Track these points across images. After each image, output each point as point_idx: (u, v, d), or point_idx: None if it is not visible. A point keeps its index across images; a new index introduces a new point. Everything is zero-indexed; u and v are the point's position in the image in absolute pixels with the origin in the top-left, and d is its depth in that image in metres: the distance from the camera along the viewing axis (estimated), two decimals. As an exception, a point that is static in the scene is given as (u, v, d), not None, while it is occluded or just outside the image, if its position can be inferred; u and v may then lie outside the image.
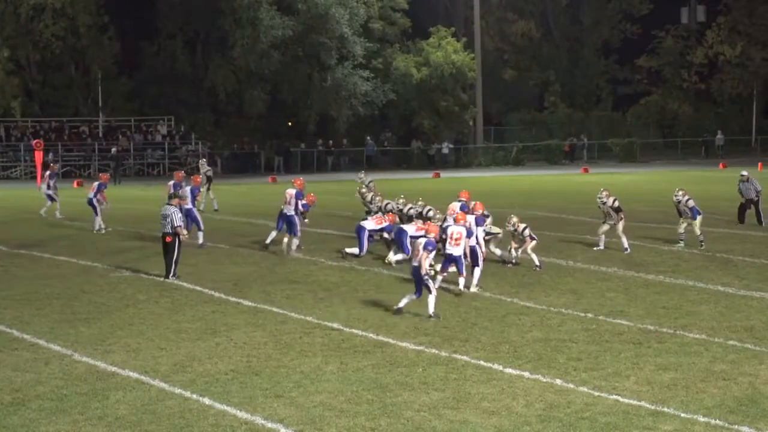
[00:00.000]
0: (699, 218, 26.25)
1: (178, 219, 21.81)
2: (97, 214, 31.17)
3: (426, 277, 17.47)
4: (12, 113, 68.85)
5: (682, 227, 26.55)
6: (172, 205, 21.99)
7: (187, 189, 28.02)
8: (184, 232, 22.53)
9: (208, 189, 36.44)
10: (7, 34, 67.68)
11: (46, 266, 23.90)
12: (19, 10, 67.44)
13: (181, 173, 30.54)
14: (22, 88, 69.87)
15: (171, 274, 21.56)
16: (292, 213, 25.23)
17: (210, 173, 37.31)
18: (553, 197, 42.32)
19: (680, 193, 26.69)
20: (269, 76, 70.10)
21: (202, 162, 39.31)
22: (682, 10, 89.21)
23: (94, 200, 31.29)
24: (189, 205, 27.11)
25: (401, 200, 27.60)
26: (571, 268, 22.78)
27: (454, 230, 19.87)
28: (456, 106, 74.56)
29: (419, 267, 17.50)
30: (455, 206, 23.41)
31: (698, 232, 26.04)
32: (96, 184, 31.99)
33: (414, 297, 17.81)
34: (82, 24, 69.34)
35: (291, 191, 25.44)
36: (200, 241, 26.84)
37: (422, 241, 17.89)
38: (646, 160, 74.78)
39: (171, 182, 28.98)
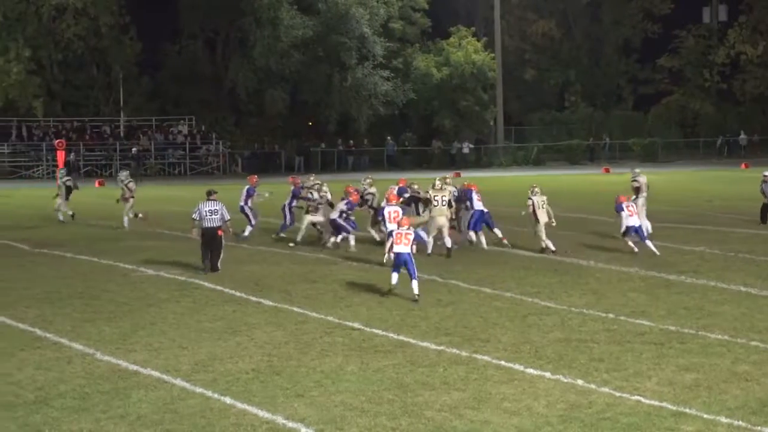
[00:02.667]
0: None
1: (227, 213, 22.92)
2: (252, 221, 28.87)
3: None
4: (34, 113, 69.20)
5: None
6: (215, 200, 22.89)
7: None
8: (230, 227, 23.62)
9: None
10: (29, 34, 67.99)
11: (68, 265, 24.00)
12: (41, 10, 67.76)
13: (255, 177, 29.99)
14: (44, 88, 70.20)
15: (216, 268, 22.43)
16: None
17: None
18: (574, 197, 42.22)
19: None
20: (290, 76, 70.24)
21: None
22: (703, 9, 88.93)
23: (246, 207, 28.91)
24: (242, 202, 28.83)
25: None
26: (592, 269, 22.72)
27: (390, 210, 23.36)
28: (476, 105, 74.58)
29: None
30: (393, 190, 26.36)
31: None
32: (245, 189, 29.29)
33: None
34: (104, 24, 69.62)
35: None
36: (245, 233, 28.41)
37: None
38: (667, 160, 74.57)
39: (246, 187, 28.85)
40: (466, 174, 61.65)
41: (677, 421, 11.49)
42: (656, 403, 12.17)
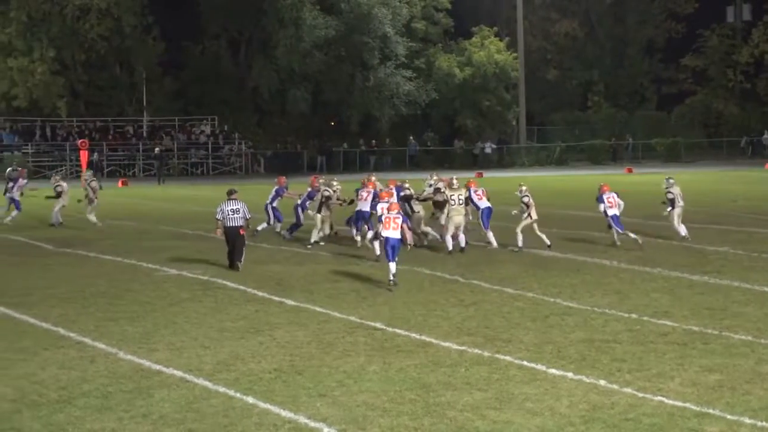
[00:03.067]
0: None
1: (248, 212, 23.60)
2: (271, 220, 29.12)
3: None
4: (58, 113, 69.55)
5: None
6: (236, 199, 23.37)
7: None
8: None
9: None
10: (53, 34, 68.32)
11: (91, 265, 24.09)
12: (65, 10, 68.06)
13: (283, 178, 30.13)
14: (68, 88, 70.53)
15: (237, 267, 22.82)
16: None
17: (60, 189, 34.56)
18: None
19: None
20: (312, 76, 70.35)
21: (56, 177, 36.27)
22: (727, 8, 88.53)
23: (270, 207, 29.17)
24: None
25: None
26: (615, 269, 22.65)
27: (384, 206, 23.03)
28: (499, 105, 74.53)
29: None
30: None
31: None
32: (274, 189, 29.45)
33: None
34: (127, 24, 69.88)
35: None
36: (259, 228, 28.73)
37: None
38: (690, 160, 74.28)
39: (308, 190, 28.85)
40: (488, 174, 61.60)
41: (700, 422, 11.43)
42: (679, 403, 12.11)
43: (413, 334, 15.88)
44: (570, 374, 13.43)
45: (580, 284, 20.59)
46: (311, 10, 68.61)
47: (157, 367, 13.96)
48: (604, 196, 26.30)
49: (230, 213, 23.04)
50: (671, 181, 28.24)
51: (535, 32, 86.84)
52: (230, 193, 23.65)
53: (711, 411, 11.81)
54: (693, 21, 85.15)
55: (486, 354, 14.55)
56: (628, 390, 12.67)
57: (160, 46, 73.16)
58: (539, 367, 13.82)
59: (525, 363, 14.03)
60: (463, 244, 25.52)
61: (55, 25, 68.55)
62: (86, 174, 34.27)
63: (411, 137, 73.26)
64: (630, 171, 63.03)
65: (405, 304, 18.59)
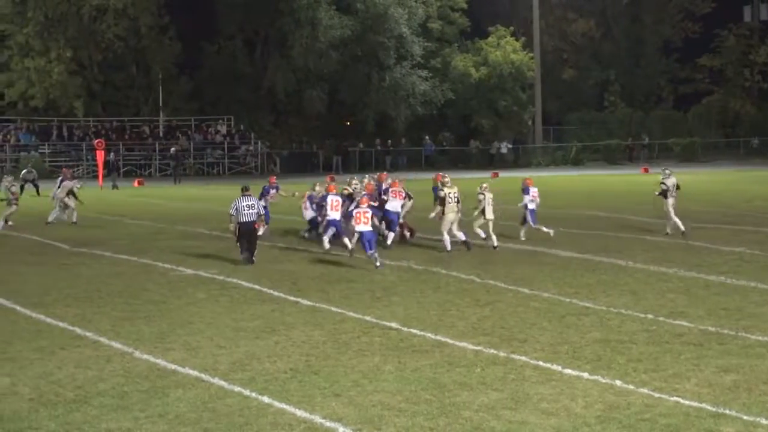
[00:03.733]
0: None
1: (262, 209, 24.75)
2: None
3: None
4: (75, 113, 69.83)
5: None
6: (251, 195, 24.25)
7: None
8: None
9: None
10: (69, 34, 68.61)
11: (107, 265, 24.16)
12: (81, 11, 68.33)
13: (273, 177, 30.30)
14: (85, 88, 70.83)
15: (252, 261, 23.52)
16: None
17: (14, 188, 34.43)
18: (613, 197, 42.05)
19: None
20: (328, 76, 70.41)
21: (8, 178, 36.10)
22: (744, 8, 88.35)
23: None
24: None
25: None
26: (631, 269, 22.60)
27: (333, 199, 25.20)
28: (515, 105, 74.45)
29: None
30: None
31: None
32: (262, 187, 29.85)
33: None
34: (144, 24, 70.13)
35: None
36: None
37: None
38: (707, 160, 74.10)
39: (263, 186, 28.90)
40: (504, 174, 61.56)
41: (717, 423, 11.40)
42: (695, 404, 12.07)
43: (428, 334, 15.87)
44: (586, 374, 13.40)
45: (595, 284, 20.55)
46: (327, 10, 68.68)
47: (173, 366, 13.98)
48: (531, 190, 27.60)
49: (245, 208, 23.67)
50: (668, 172, 29.05)
51: (551, 32, 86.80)
52: (244, 189, 24.41)
53: (727, 411, 11.77)
54: (710, 21, 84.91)
55: (501, 354, 14.53)
56: (644, 390, 12.64)
57: (177, 46, 73.35)
58: (555, 367, 13.79)
59: (541, 363, 14.01)
60: (462, 238, 25.96)
61: (72, 25, 68.83)
62: (7, 179, 33.99)
63: (427, 137, 73.28)
64: (646, 171, 62.88)
65: (420, 304, 18.59)
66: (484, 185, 27.16)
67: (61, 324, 16.93)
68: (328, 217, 25.18)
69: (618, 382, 13.00)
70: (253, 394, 12.58)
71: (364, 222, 23.21)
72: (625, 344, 15.11)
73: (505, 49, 73.96)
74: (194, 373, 13.63)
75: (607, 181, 55.26)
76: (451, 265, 23.23)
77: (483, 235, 26.47)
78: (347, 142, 72.22)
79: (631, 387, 12.79)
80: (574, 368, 13.71)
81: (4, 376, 13.49)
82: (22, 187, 46.46)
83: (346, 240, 24.46)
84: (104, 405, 12.22)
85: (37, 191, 45.96)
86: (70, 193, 33.98)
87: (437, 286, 20.59)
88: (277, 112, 76.49)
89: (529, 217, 27.58)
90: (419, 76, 70.80)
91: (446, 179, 26.77)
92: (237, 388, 12.85)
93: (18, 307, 18.47)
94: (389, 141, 72.10)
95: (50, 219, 33.44)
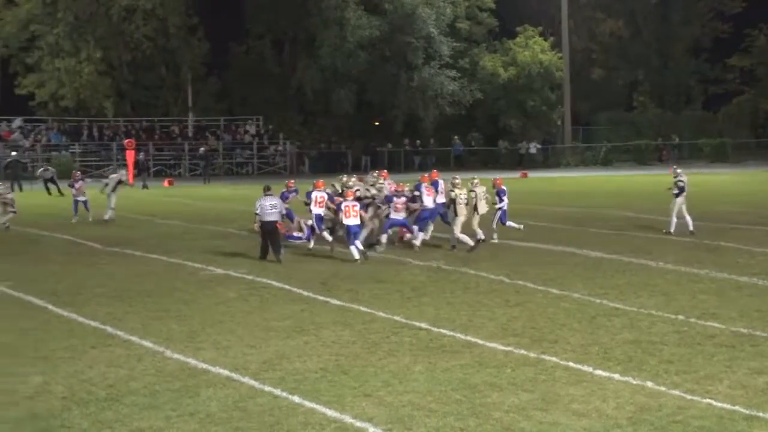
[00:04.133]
0: None
1: (284, 208, 25.22)
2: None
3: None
4: (104, 113, 70.18)
5: None
6: (273, 194, 24.81)
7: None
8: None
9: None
10: (99, 35, 68.97)
11: (138, 264, 24.26)
12: (110, 11, 68.67)
13: (292, 182, 30.39)
14: (114, 89, 71.21)
15: (279, 260, 23.89)
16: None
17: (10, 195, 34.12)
18: (643, 198, 41.87)
19: None
20: (356, 76, 70.37)
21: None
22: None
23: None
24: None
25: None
26: (662, 270, 22.50)
27: (317, 195, 25.99)
28: (543, 105, 74.25)
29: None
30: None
31: None
32: (280, 193, 28.87)
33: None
34: (172, 25, 70.39)
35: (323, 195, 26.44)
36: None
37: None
38: (737, 161, 73.65)
39: (281, 191, 29.00)
40: (533, 174, 61.49)
41: (750, 425, 11.33)
42: (728, 406, 12.01)
43: (458, 335, 15.86)
44: (617, 375, 13.35)
45: (626, 285, 20.47)
46: (355, 10, 68.71)
47: (204, 365, 14.03)
48: (505, 189, 27.89)
49: (269, 208, 24.18)
50: (679, 170, 29.62)
51: (579, 32, 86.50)
52: (266, 189, 25.01)
53: (761, 414, 11.70)
54: (740, 20, 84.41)
55: (532, 355, 14.50)
56: (676, 392, 12.58)
57: (205, 47, 73.59)
58: (586, 368, 13.75)
59: (571, 364, 13.97)
60: (481, 236, 26.12)
61: (102, 25, 69.17)
62: (1, 187, 33.64)
63: (455, 137, 73.19)
64: (676, 171, 62.51)
65: (450, 304, 18.57)
66: (475, 180, 27.04)
67: (92, 323, 17.02)
68: (345, 223, 24.98)
69: (649, 384, 12.95)
70: (284, 394, 12.60)
71: (353, 215, 24.39)
72: (656, 345, 15.05)
73: (533, 49, 73.77)
74: (225, 372, 13.67)
75: (637, 182, 55.06)
76: (480, 265, 23.19)
77: (481, 236, 26.21)
78: (375, 143, 72.21)
79: (663, 389, 12.74)
80: (605, 369, 13.67)
81: (38, 375, 13.57)
82: (47, 185, 46.71)
83: (325, 234, 25.83)
84: (136, 404, 12.27)
85: (59, 190, 46.09)
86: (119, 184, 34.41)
87: (467, 286, 20.57)
88: (306, 112, 76.60)
89: (502, 217, 27.62)
90: (447, 76, 70.69)
91: (456, 180, 26.81)
92: (267, 388, 12.88)
93: (50, 306, 18.59)
94: (418, 141, 72.06)
95: (107, 216, 33.88)
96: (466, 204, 25.90)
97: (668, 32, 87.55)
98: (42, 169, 48.99)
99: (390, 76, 70.77)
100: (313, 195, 26.25)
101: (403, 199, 25.90)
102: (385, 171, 31.08)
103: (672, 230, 28.37)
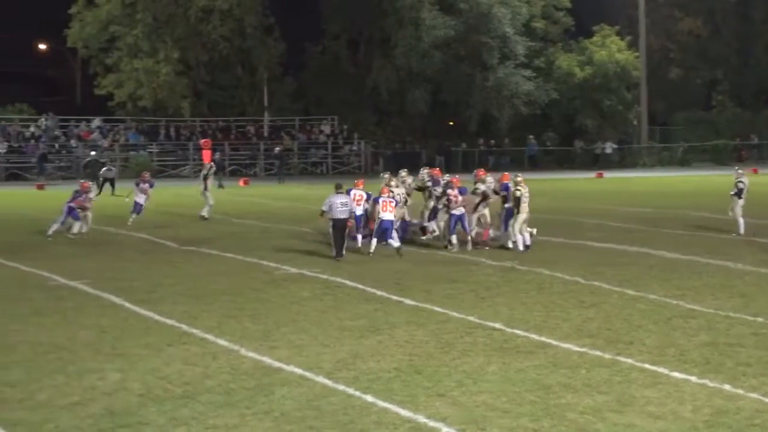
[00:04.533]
0: None
1: (354, 207, 25.51)
2: None
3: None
4: (181, 113, 70.85)
5: None
6: (344, 193, 25.21)
7: None
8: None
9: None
10: (176, 35, 69.65)
11: (213, 263, 24.47)
12: (188, 12, 69.29)
13: (361, 181, 30.73)
14: (191, 89, 71.85)
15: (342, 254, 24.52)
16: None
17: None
18: (720, 198, 41.27)
19: None
20: (431, 76, 70.32)
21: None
22: None
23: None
24: None
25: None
26: (740, 271, 22.20)
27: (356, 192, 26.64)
28: (620, 105, 73.60)
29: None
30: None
31: None
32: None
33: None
34: (249, 25, 70.80)
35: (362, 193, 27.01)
36: None
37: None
38: (819, 161, 72.44)
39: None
40: (609, 174, 60.96)
41: (829, 429, 11.15)
42: (808, 410, 11.82)
43: (533, 335, 15.78)
44: (693, 378, 13.20)
45: (703, 287, 20.23)
46: (430, 10, 68.70)
47: (278, 364, 14.10)
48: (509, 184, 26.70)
49: (340, 206, 24.58)
50: (740, 171, 29.60)
51: (657, 31, 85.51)
52: (338, 186, 25.43)
53: (840, 418, 11.51)
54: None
55: (607, 356, 14.39)
56: (754, 395, 12.41)
57: (281, 47, 73.95)
58: (662, 370, 13.61)
59: (647, 366, 13.83)
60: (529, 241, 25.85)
61: (179, 26, 69.84)
62: (92, 192, 33.46)
63: (530, 137, 72.86)
64: (756, 171, 61.64)
65: (524, 304, 18.49)
66: (519, 178, 26.26)
67: (168, 321, 17.20)
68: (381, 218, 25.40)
69: (727, 386, 12.78)
70: (357, 393, 12.63)
71: (389, 210, 25.15)
72: (733, 348, 14.85)
73: (610, 48, 73.20)
74: (299, 371, 13.73)
75: (714, 182, 54.31)
76: (555, 266, 23.05)
77: (521, 239, 25.67)
78: (450, 143, 72.08)
79: (741, 391, 12.57)
80: (681, 371, 13.52)
81: (115, 372, 13.75)
82: (103, 184, 47.09)
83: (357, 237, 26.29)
84: (211, 401, 12.38)
85: (113, 190, 46.45)
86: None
87: (541, 286, 20.47)
88: (380, 112, 76.68)
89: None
90: (523, 76, 70.37)
91: (519, 178, 26.23)
92: (341, 387, 12.91)
93: (127, 304, 18.82)
94: (492, 141, 71.84)
95: (206, 215, 34.34)
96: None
97: (749, 31, 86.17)
98: (105, 168, 49.51)
99: (465, 76, 70.63)
100: (353, 193, 26.58)
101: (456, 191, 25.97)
102: (437, 169, 31.12)
103: (741, 231, 28.05)
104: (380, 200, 25.43)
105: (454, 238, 26.12)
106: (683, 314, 17.43)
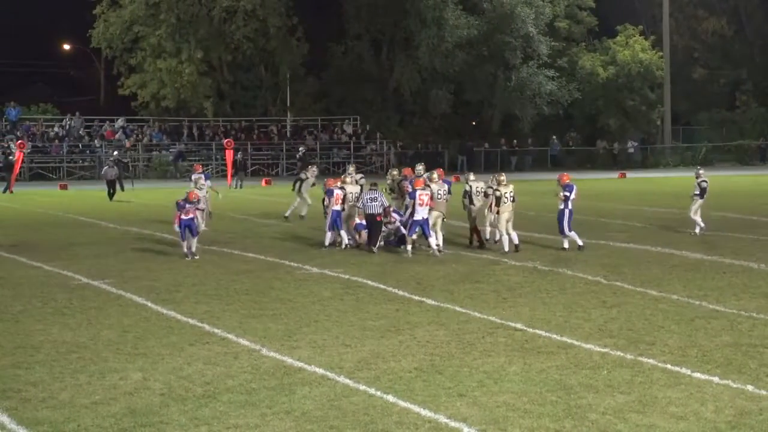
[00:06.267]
0: None
1: (386, 201, 26.44)
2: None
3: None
4: (204, 113, 71.03)
5: None
6: (374, 189, 26.24)
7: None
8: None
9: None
10: (200, 36, 69.78)
11: (235, 263, 24.51)
12: (212, 12, 69.43)
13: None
14: (214, 89, 71.99)
15: (377, 246, 25.62)
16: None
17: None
18: (745, 199, 41.17)
19: None
20: (454, 76, 70.30)
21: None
22: None
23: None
24: None
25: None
26: (764, 272, 22.10)
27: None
28: (643, 105, 73.42)
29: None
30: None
31: None
32: None
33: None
34: (272, 26, 70.82)
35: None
36: None
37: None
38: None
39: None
40: (631, 174, 60.76)
41: None
42: (831, 411, 11.75)
43: (554, 335, 15.76)
44: (716, 378, 13.15)
45: (726, 287, 20.15)
46: (454, 10, 68.67)
47: (299, 364, 14.12)
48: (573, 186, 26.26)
49: (368, 201, 25.92)
50: (701, 171, 29.82)
51: (681, 30, 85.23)
52: (372, 185, 26.74)
53: None
54: None
55: (629, 356, 14.35)
56: (777, 397, 12.36)
57: (304, 47, 73.97)
58: (684, 370, 13.57)
59: (669, 366, 13.79)
60: (516, 240, 25.66)
61: (203, 26, 69.98)
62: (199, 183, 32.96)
63: (553, 137, 72.72)
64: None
65: (546, 305, 18.46)
66: (502, 178, 26.26)
67: (190, 320, 17.24)
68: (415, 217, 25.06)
69: (749, 387, 12.72)
70: (378, 393, 12.64)
71: (428, 204, 24.93)
72: (756, 348, 14.79)
73: (633, 48, 73.02)
74: (320, 371, 13.74)
75: (738, 182, 54.11)
76: (577, 266, 23.02)
77: (506, 239, 25.60)
78: (472, 142, 71.99)
79: (764, 392, 12.51)
80: (703, 372, 13.47)
81: (137, 371, 13.79)
82: (109, 188, 47.02)
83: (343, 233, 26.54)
84: (232, 401, 12.40)
85: (122, 187, 46.47)
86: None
87: (563, 287, 20.43)
88: (403, 111, 76.67)
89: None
90: (546, 76, 70.28)
91: (501, 178, 26.31)
92: (362, 387, 12.92)
93: (149, 303, 18.88)
94: (515, 141, 71.74)
95: (303, 213, 34.35)
96: (512, 202, 25.58)
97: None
98: (106, 167, 49.51)
99: (487, 76, 70.59)
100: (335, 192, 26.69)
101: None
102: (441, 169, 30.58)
103: (697, 231, 28.49)
104: (417, 194, 24.75)
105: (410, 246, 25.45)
106: (706, 315, 17.36)
